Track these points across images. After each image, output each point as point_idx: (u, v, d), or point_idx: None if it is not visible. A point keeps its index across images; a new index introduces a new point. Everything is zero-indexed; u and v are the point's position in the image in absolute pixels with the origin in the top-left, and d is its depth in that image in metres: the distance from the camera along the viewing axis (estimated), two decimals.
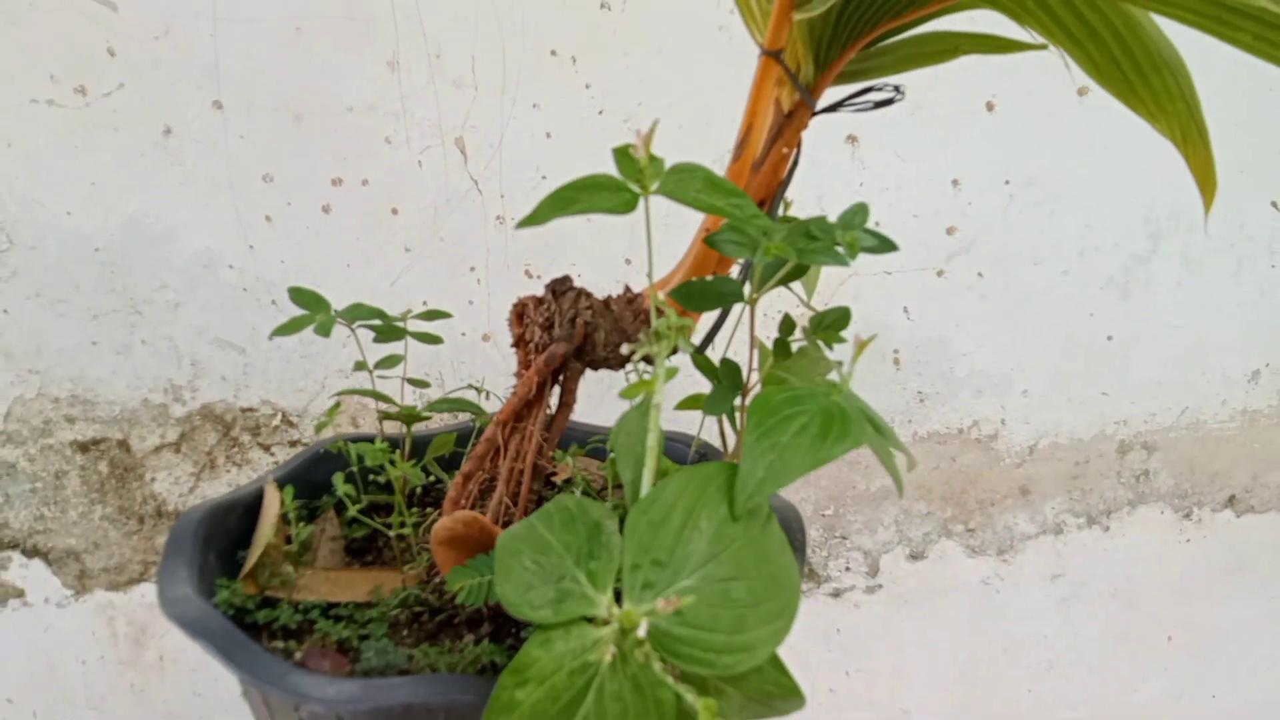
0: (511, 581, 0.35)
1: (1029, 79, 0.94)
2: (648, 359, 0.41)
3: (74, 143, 0.85)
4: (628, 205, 0.39)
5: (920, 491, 1.04)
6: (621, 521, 0.36)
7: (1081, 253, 1.00)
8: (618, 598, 0.34)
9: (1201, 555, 1.12)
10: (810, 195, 0.94)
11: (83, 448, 0.91)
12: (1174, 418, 1.08)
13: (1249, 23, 0.43)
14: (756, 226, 0.43)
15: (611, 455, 0.61)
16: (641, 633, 0.32)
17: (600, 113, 0.89)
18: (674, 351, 0.48)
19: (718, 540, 0.35)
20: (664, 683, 0.31)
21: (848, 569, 1.05)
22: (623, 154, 0.40)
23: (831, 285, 0.96)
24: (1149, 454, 1.08)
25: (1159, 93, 0.53)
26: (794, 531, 0.51)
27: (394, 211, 0.89)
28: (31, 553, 0.92)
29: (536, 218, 0.38)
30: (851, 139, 0.93)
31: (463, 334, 0.91)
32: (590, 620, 0.34)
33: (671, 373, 0.40)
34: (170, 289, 0.88)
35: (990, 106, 0.95)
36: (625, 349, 0.39)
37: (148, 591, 0.94)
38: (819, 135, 0.93)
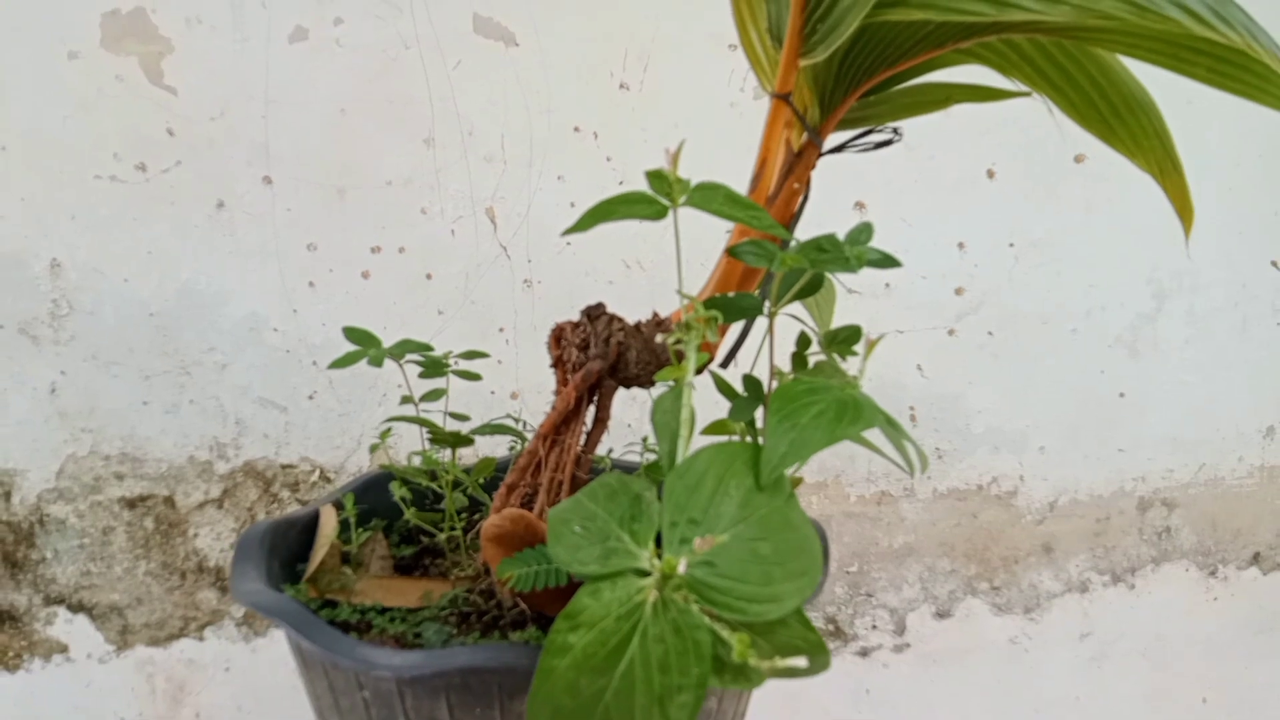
0: (563, 545, 0.38)
1: (1026, 149, 0.99)
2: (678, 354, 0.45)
3: (133, 215, 0.92)
4: (659, 214, 0.44)
5: (943, 548, 1.05)
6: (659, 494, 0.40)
7: (1088, 312, 1.04)
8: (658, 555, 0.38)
9: (1230, 614, 1.11)
10: None
11: (130, 504, 0.95)
12: (1192, 474, 1.09)
13: (1202, 58, 0.47)
14: (776, 232, 0.48)
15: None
16: (682, 568, 0.36)
17: (620, 183, 0.95)
18: (705, 360, 0.52)
19: (746, 505, 0.39)
20: (702, 624, 0.35)
21: (874, 627, 1.06)
22: (654, 174, 0.45)
23: None
24: (1169, 511, 1.09)
25: (1135, 131, 0.57)
26: (819, 537, 0.54)
27: (428, 277, 0.95)
28: (76, 608, 0.95)
29: (581, 226, 0.43)
30: (860, 205, 0.99)
31: (492, 392, 0.96)
32: (635, 572, 0.37)
33: (702, 359, 0.44)
34: (218, 351, 0.94)
35: (991, 174, 1.00)
36: (659, 338, 0.42)
37: (187, 647, 0.97)
38: (829, 202, 0.98)
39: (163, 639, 0.97)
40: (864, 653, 1.06)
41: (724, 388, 0.55)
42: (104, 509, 0.95)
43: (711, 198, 0.46)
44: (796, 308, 0.62)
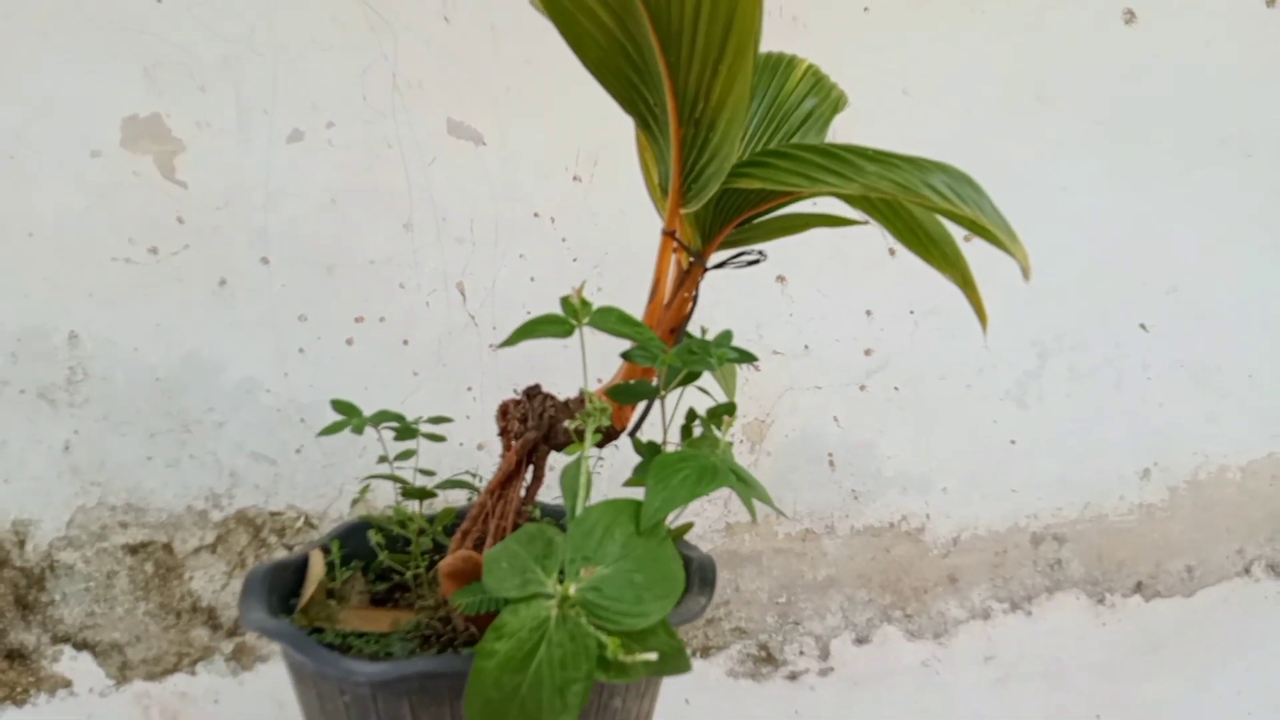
0: (493, 576, 0.52)
1: None
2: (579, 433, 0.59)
3: (145, 292, 1.04)
4: (568, 333, 0.59)
5: (861, 580, 1.19)
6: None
7: (980, 370, 1.20)
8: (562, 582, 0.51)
9: (1117, 637, 1.26)
10: (750, 324, 1.14)
11: (132, 550, 1.05)
12: (1078, 512, 1.24)
13: (963, 220, 0.62)
14: (655, 345, 0.62)
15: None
16: (573, 591, 0.49)
17: (574, 260, 1.10)
18: (600, 429, 0.66)
19: (626, 546, 0.53)
20: (589, 633, 0.48)
21: (802, 653, 1.18)
22: (566, 300, 0.59)
23: (771, 397, 1.14)
24: (1060, 545, 1.24)
25: (946, 254, 0.72)
26: (708, 570, 0.68)
27: (405, 343, 1.08)
28: (81, 646, 1.05)
29: (510, 342, 0.57)
30: (781, 279, 1.14)
31: (460, 444, 1.08)
32: (543, 596, 0.50)
33: (596, 437, 0.58)
34: (217, 411, 1.06)
35: (892, 252, 1.16)
36: (567, 423, 0.56)
37: (180, 681, 1.06)
38: (754, 277, 1.14)
39: (158, 674, 1.06)
40: (793, 676, 1.18)
41: (640, 449, 0.69)
42: (109, 555, 1.05)
43: (607, 318, 0.60)
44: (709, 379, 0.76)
